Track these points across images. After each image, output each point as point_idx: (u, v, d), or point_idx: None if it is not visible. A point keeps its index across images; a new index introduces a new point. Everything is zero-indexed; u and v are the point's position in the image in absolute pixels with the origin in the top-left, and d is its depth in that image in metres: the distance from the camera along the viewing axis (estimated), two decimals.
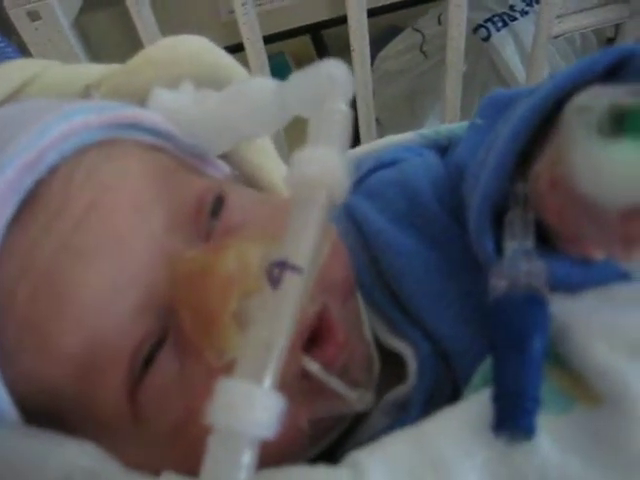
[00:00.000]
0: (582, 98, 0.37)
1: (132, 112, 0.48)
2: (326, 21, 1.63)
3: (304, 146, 0.40)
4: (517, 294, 0.39)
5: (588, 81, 0.42)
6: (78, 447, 0.38)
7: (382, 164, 0.61)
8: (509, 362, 0.38)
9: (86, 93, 0.54)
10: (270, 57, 1.15)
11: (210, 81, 0.52)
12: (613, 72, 0.43)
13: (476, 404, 0.38)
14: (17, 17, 0.98)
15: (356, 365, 0.47)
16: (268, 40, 1.50)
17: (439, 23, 1.70)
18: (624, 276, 0.42)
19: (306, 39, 1.81)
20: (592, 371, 0.37)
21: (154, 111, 0.49)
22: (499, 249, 0.43)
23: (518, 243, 0.41)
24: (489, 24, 1.67)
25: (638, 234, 0.35)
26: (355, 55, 1.11)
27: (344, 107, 0.42)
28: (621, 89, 0.36)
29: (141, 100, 0.51)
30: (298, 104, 0.44)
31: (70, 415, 0.42)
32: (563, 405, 0.37)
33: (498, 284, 0.40)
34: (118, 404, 0.41)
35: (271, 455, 0.36)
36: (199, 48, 0.56)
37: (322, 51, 1.80)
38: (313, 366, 0.44)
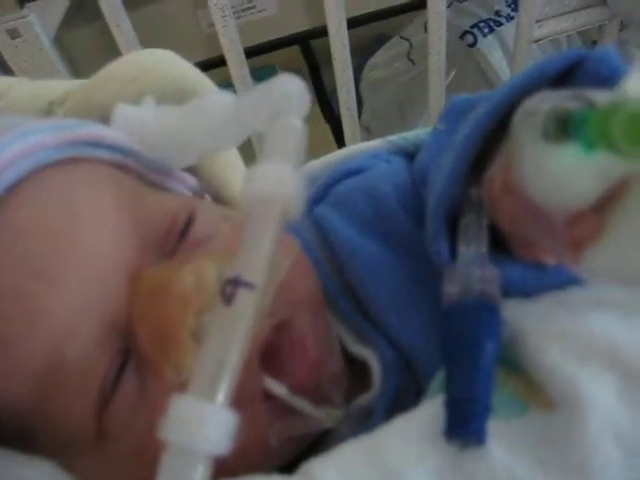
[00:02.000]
0: (529, 103, 0.37)
1: (92, 129, 0.48)
2: (314, 32, 1.63)
3: (257, 162, 0.41)
4: (469, 300, 0.39)
5: (541, 86, 0.42)
6: (37, 468, 0.39)
7: (349, 172, 0.61)
8: (460, 368, 0.38)
9: (49, 110, 0.55)
10: (261, 69, 1.15)
11: (175, 93, 0.53)
12: (567, 76, 0.43)
13: (429, 410, 0.39)
14: None
15: (327, 381, 0.47)
16: (257, 52, 1.51)
17: (425, 30, 1.70)
18: (579, 280, 0.42)
19: (295, 50, 1.82)
20: (544, 375, 0.37)
21: (116, 127, 0.50)
22: (454, 254, 0.43)
23: (472, 248, 0.41)
24: (475, 30, 1.67)
25: (583, 239, 0.35)
26: (336, 63, 1.12)
27: (298, 122, 0.42)
28: (567, 93, 0.36)
29: (105, 115, 0.51)
30: (254, 120, 0.45)
31: (34, 433, 0.42)
32: (516, 410, 0.37)
33: (451, 290, 0.40)
34: (84, 424, 0.42)
35: (237, 469, 0.36)
36: (164, 61, 0.57)
37: (311, 61, 1.81)
38: (280, 389, 0.44)
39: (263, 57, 1.57)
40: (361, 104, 1.74)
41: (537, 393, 0.38)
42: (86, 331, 0.41)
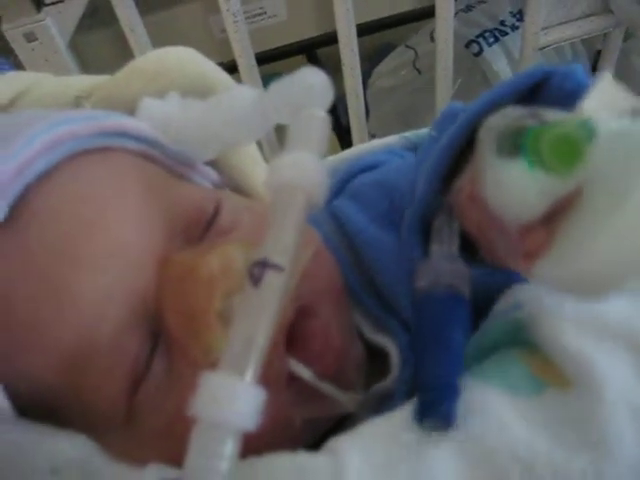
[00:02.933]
0: (492, 119, 0.39)
1: (118, 120, 0.49)
2: (320, 41, 1.65)
3: (282, 152, 0.42)
4: (439, 292, 0.42)
5: (511, 101, 0.44)
6: (68, 439, 0.40)
7: (365, 167, 0.63)
8: (429, 355, 0.41)
9: (77, 104, 0.56)
10: (269, 77, 1.16)
11: (197, 90, 0.54)
12: (537, 90, 0.45)
13: None
14: (14, 38, 1.00)
15: (349, 368, 0.49)
16: (264, 60, 1.52)
17: (431, 40, 1.72)
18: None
19: (301, 59, 1.83)
20: (561, 355, 0.39)
21: (141, 120, 0.51)
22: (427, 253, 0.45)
23: (443, 247, 0.44)
24: (481, 39, 1.69)
25: (534, 250, 0.37)
26: (345, 69, 1.13)
27: (322, 113, 0.44)
28: (525, 111, 0.38)
29: (130, 110, 0.53)
30: (278, 112, 0.46)
31: (64, 413, 0.43)
32: (534, 388, 0.39)
33: (422, 282, 0.43)
34: (114, 405, 0.43)
35: (260, 449, 0.37)
36: (186, 59, 0.58)
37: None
38: (305, 372, 0.45)
39: (270, 66, 1.59)
40: (367, 112, 1.76)
41: (554, 372, 0.39)
42: (116, 315, 0.42)
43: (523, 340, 0.41)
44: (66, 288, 0.41)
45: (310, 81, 0.45)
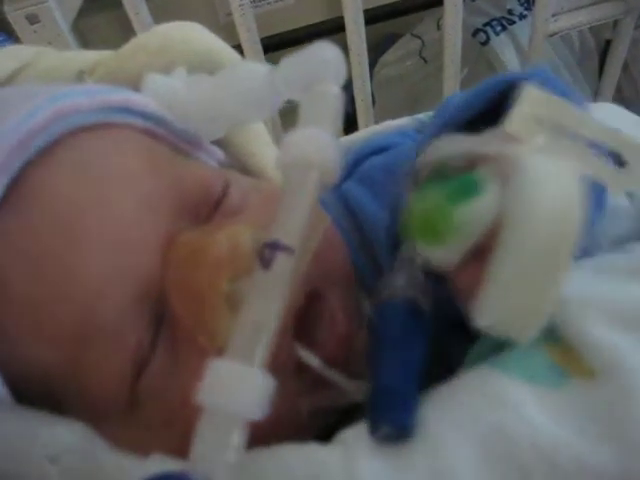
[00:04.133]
0: (426, 151, 0.39)
1: (123, 95, 0.47)
2: (326, 28, 1.63)
3: (295, 128, 0.40)
4: (398, 301, 0.40)
5: (474, 115, 0.44)
6: (67, 426, 0.38)
7: (376, 149, 0.62)
8: (386, 361, 0.39)
9: (79, 79, 0.54)
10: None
11: (203, 67, 0.52)
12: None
13: (467, 380, 0.38)
14: (16, 20, 0.99)
15: (357, 356, 0.47)
16: (268, 49, 1.51)
17: (438, 28, 1.70)
18: None
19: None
20: (586, 343, 0.37)
21: (146, 95, 0.49)
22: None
23: (406, 262, 0.42)
24: (488, 28, 1.67)
25: (468, 288, 0.35)
26: (352, 54, 1.11)
27: (336, 89, 0.42)
28: (457, 142, 0.37)
29: (134, 87, 0.51)
30: (290, 87, 0.44)
31: (63, 398, 0.41)
32: (557, 378, 0.37)
33: (383, 292, 0.41)
34: (116, 391, 0.41)
35: (266, 439, 0.36)
36: (192, 34, 0.57)
37: None
38: (313, 360, 0.43)
39: (275, 54, 1.58)
40: (373, 102, 1.74)
41: (577, 362, 0.37)
42: (119, 296, 0.40)
43: (546, 329, 0.39)
44: (66, 268, 0.40)
45: (324, 56, 0.43)
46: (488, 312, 0.34)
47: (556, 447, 0.34)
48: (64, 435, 0.38)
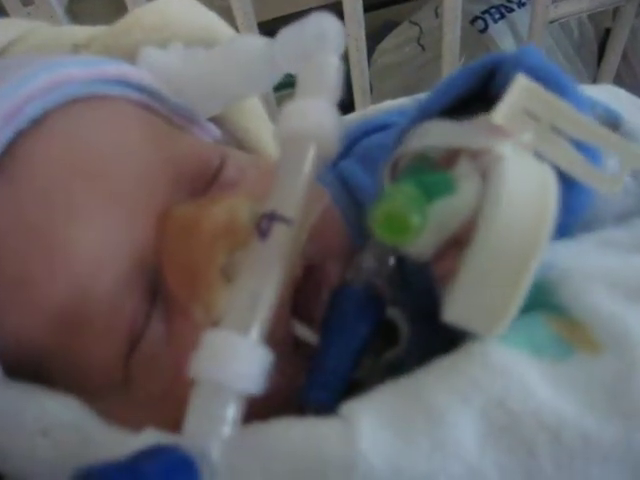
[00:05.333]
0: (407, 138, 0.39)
1: (118, 68, 0.46)
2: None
3: (293, 99, 0.40)
4: (356, 287, 0.40)
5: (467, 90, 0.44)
6: (59, 400, 0.37)
7: (374, 128, 0.61)
8: (328, 342, 0.40)
9: (74, 52, 0.53)
10: None
11: (200, 42, 0.52)
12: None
13: (468, 355, 0.37)
14: (9, 2, 0.97)
15: None
16: (264, 34, 1.49)
17: (436, 16, 1.69)
18: None
19: None
20: (591, 316, 0.36)
21: (142, 69, 0.48)
22: None
23: (376, 247, 0.42)
24: (486, 16, 1.66)
25: (444, 275, 0.36)
26: (350, 40, 1.10)
27: (335, 59, 0.41)
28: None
29: (130, 61, 0.50)
30: (288, 60, 0.43)
31: (56, 375, 0.41)
32: (562, 351, 0.36)
33: (347, 275, 0.41)
34: (110, 366, 0.40)
35: (263, 415, 0.35)
36: (188, 9, 0.56)
37: None
38: (311, 336, 0.42)
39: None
40: (370, 89, 1.73)
41: (584, 335, 0.36)
42: (112, 270, 0.39)
43: (550, 303, 0.38)
44: (58, 241, 0.39)
45: (322, 27, 0.42)
46: (454, 307, 0.34)
47: (561, 422, 0.33)
48: (56, 409, 0.37)
